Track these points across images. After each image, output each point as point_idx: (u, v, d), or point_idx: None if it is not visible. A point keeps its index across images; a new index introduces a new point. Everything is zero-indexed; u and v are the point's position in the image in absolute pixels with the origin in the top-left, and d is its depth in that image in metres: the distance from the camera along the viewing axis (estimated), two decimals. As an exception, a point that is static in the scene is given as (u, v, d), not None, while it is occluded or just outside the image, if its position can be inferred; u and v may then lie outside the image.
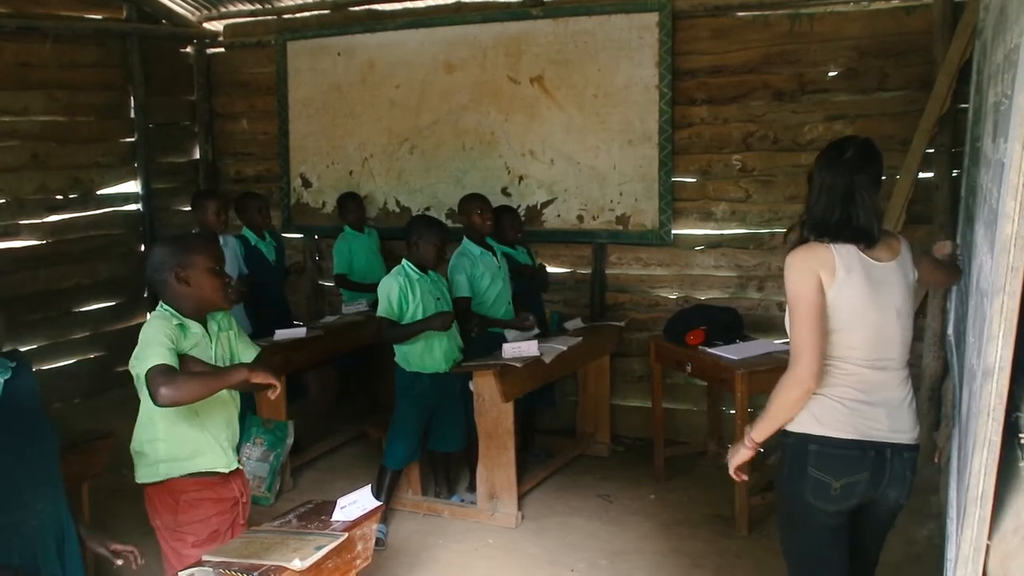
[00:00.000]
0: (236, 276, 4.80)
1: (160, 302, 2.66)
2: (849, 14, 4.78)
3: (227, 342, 2.77)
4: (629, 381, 5.49)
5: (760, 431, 2.41)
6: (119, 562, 2.61)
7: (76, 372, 6.06)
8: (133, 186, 6.40)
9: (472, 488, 4.43)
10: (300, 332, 4.85)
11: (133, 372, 2.52)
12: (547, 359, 4.35)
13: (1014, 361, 1.43)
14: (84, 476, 3.23)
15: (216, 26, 6.56)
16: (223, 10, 6.44)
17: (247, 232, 5.18)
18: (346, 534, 2.55)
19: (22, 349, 2.53)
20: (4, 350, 2.40)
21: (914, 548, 3.66)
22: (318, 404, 5.82)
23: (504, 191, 5.56)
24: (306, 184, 6.28)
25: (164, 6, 6.38)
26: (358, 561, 2.65)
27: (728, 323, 4.57)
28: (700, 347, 4.38)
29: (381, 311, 4.07)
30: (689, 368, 4.42)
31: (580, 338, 4.73)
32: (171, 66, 6.52)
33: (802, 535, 2.47)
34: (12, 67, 5.64)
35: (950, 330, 3.55)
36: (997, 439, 1.45)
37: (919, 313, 4.56)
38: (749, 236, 5.15)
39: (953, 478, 2.20)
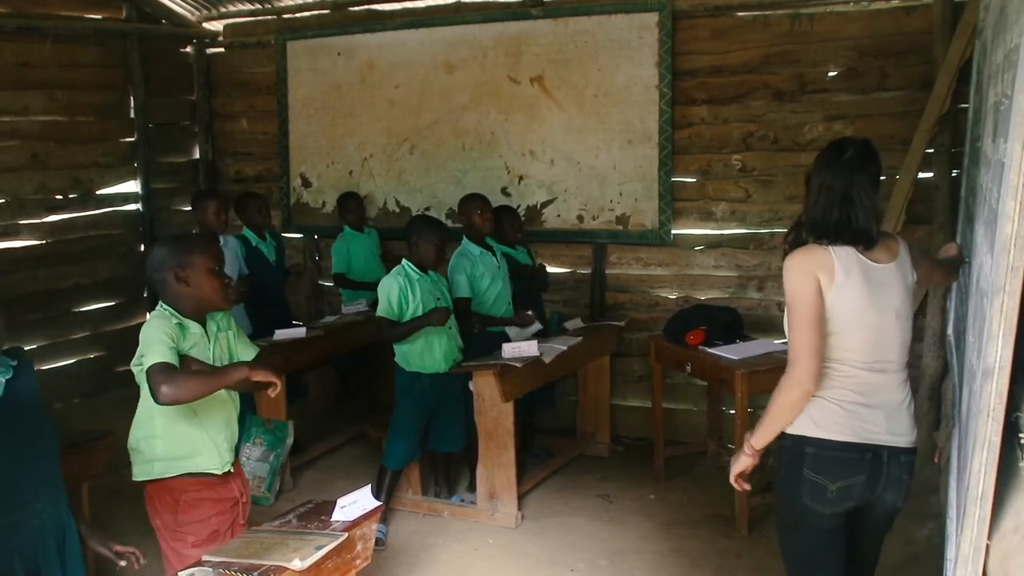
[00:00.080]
0: (236, 276, 4.80)
1: (160, 302, 2.66)
2: (849, 14, 4.78)
3: (226, 342, 2.77)
4: (629, 381, 5.49)
5: (760, 437, 2.40)
6: (122, 563, 2.61)
7: (76, 372, 6.06)
8: (133, 186, 6.41)
9: (472, 488, 4.43)
10: (300, 332, 4.85)
11: (135, 371, 2.52)
12: (547, 359, 4.34)
13: (1014, 361, 1.43)
14: (84, 476, 3.23)
15: (216, 26, 6.57)
16: (223, 10, 6.44)
17: (247, 232, 5.18)
18: (346, 534, 2.55)
19: (14, 346, 2.52)
20: (5, 348, 2.40)
21: (914, 548, 3.66)
22: (318, 404, 5.82)
23: (504, 191, 5.56)
24: (306, 184, 6.28)
25: (164, 6, 6.38)
26: (358, 561, 2.65)
27: (728, 323, 4.57)
28: (700, 347, 4.38)
29: (381, 311, 4.07)
30: (689, 368, 4.42)
31: (580, 338, 4.73)
32: (171, 66, 6.52)
33: (799, 537, 2.46)
34: (12, 67, 5.65)
35: (950, 330, 3.55)
36: (997, 439, 1.45)
37: (919, 313, 4.56)
38: (749, 236, 5.15)
39: (953, 478, 2.20)
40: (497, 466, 4.25)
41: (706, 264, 5.28)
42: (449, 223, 5.17)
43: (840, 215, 2.30)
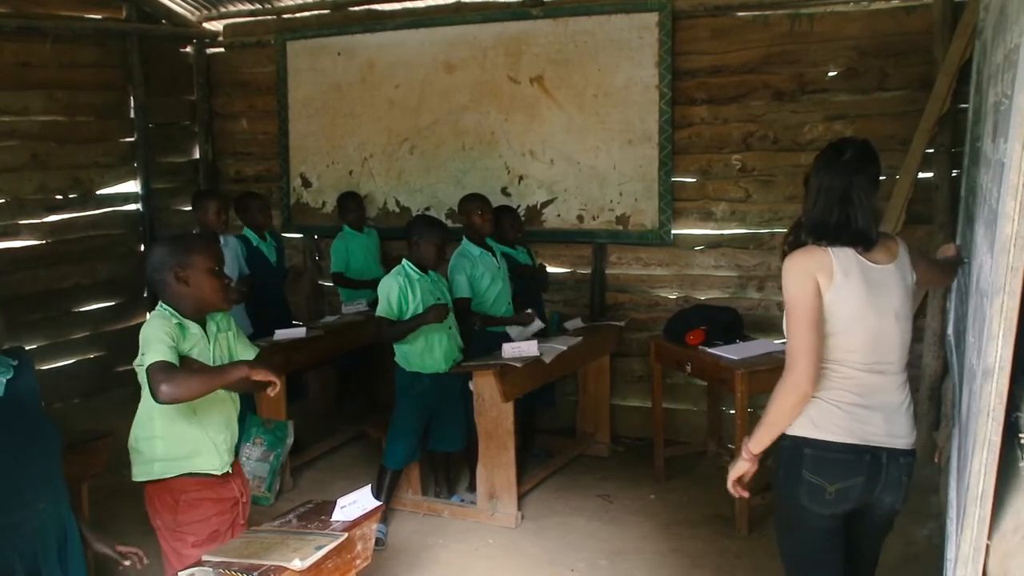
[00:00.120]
0: (237, 276, 4.81)
1: (160, 302, 2.66)
2: (849, 14, 4.78)
3: (226, 343, 2.77)
4: (629, 381, 5.49)
5: (758, 441, 2.38)
6: (126, 563, 2.60)
7: (76, 372, 6.06)
8: (133, 186, 6.41)
9: (472, 488, 4.43)
10: (300, 332, 4.85)
11: (138, 371, 2.51)
12: (547, 359, 4.34)
13: (1014, 361, 1.43)
14: (84, 476, 3.23)
15: (216, 26, 6.56)
16: (223, 10, 6.44)
17: (248, 232, 5.18)
18: (346, 534, 2.55)
19: (15, 346, 2.52)
20: (5, 348, 2.40)
21: (913, 548, 3.66)
22: (318, 404, 5.82)
23: (504, 191, 5.56)
24: (306, 184, 6.28)
25: (164, 6, 6.38)
26: (358, 561, 2.65)
27: (728, 323, 4.57)
28: (700, 347, 4.38)
29: (380, 311, 4.07)
30: (689, 368, 4.42)
31: (580, 338, 4.73)
32: (171, 66, 6.52)
33: (797, 538, 2.46)
34: (12, 67, 5.65)
35: (950, 330, 3.55)
36: (997, 439, 1.45)
37: (919, 313, 4.56)
38: (749, 236, 5.15)
39: (953, 478, 2.20)
40: (497, 466, 4.25)
41: (706, 264, 5.28)
42: (449, 223, 5.17)
43: (839, 216, 2.29)
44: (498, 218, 4.74)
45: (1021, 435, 1.49)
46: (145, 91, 6.34)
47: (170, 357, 2.44)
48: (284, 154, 6.31)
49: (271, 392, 2.58)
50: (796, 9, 4.86)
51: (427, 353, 4.14)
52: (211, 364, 2.64)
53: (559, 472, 4.86)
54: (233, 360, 2.76)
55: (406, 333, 4.05)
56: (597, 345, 4.99)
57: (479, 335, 4.44)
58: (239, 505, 2.77)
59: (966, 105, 4.09)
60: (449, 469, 4.62)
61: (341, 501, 2.68)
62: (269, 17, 6.37)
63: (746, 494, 2.53)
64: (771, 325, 4.95)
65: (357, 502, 2.69)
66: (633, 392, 5.48)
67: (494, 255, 4.64)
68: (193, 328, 2.64)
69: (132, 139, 6.36)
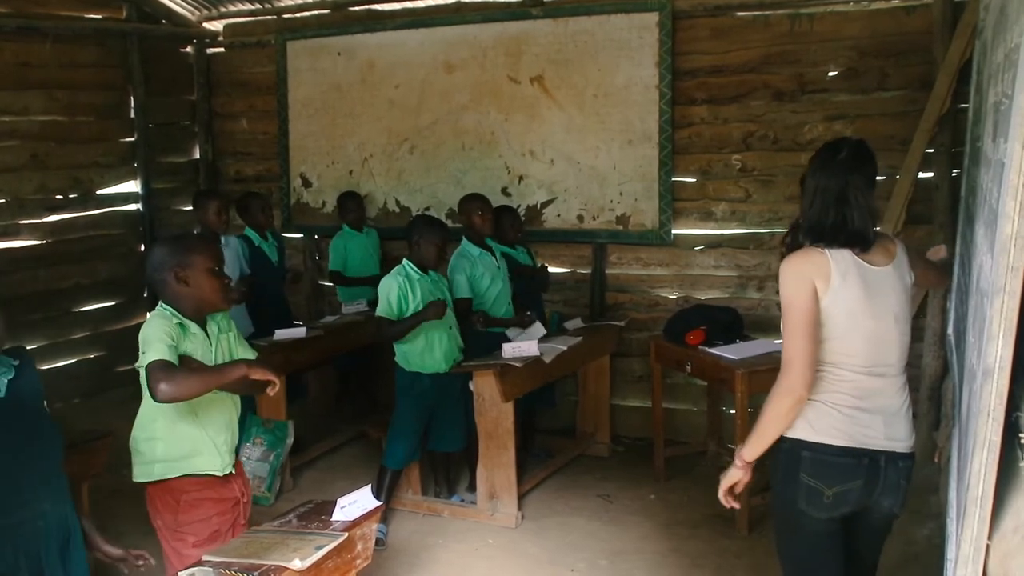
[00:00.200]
0: (237, 276, 4.81)
1: (160, 302, 2.66)
2: (849, 14, 4.78)
3: (227, 344, 2.77)
4: (629, 381, 5.49)
5: (751, 449, 2.35)
6: (140, 563, 2.59)
7: (76, 372, 6.06)
8: (133, 186, 6.41)
9: (472, 488, 4.43)
10: (300, 332, 4.85)
11: (140, 371, 2.51)
12: (547, 359, 4.35)
13: (1014, 361, 1.43)
14: (84, 476, 3.22)
15: (216, 26, 6.56)
16: (223, 10, 6.44)
17: (250, 232, 5.19)
18: (346, 534, 2.55)
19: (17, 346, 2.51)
20: (7, 348, 2.39)
21: (914, 548, 3.66)
22: (318, 404, 5.82)
23: (504, 191, 5.56)
24: (306, 184, 6.28)
25: (164, 6, 6.38)
26: (358, 561, 2.65)
27: (728, 323, 4.57)
28: (700, 347, 4.38)
29: (380, 310, 4.07)
30: (689, 368, 4.42)
31: (580, 338, 4.73)
32: (171, 66, 6.52)
33: (796, 541, 2.44)
34: (12, 67, 5.65)
35: (950, 330, 3.54)
36: (997, 439, 1.45)
37: (919, 313, 4.56)
38: (749, 236, 5.15)
39: (953, 478, 2.19)
40: (497, 466, 4.25)
41: (706, 264, 5.28)
42: (449, 223, 5.17)
43: (836, 216, 2.28)
44: (498, 218, 4.74)
45: (1021, 435, 1.48)
46: (145, 91, 6.34)
47: (169, 356, 2.44)
48: (284, 154, 6.32)
49: (271, 392, 2.58)
50: (796, 9, 4.86)
51: (427, 353, 4.14)
52: (212, 365, 2.64)
53: (559, 472, 4.86)
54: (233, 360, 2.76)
55: (406, 332, 4.05)
56: (597, 345, 4.99)
57: (479, 335, 4.44)
58: (240, 505, 2.77)
59: (966, 105, 4.09)
60: (449, 469, 4.62)
61: (341, 501, 2.68)
62: (269, 17, 6.37)
63: (737, 505, 2.51)
64: (771, 325, 4.94)
65: (357, 502, 2.69)
66: (633, 392, 5.48)
67: (494, 255, 4.64)
68: (194, 328, 2.64)
69: (132, 139, 6.36)
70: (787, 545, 2.50)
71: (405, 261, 4.17)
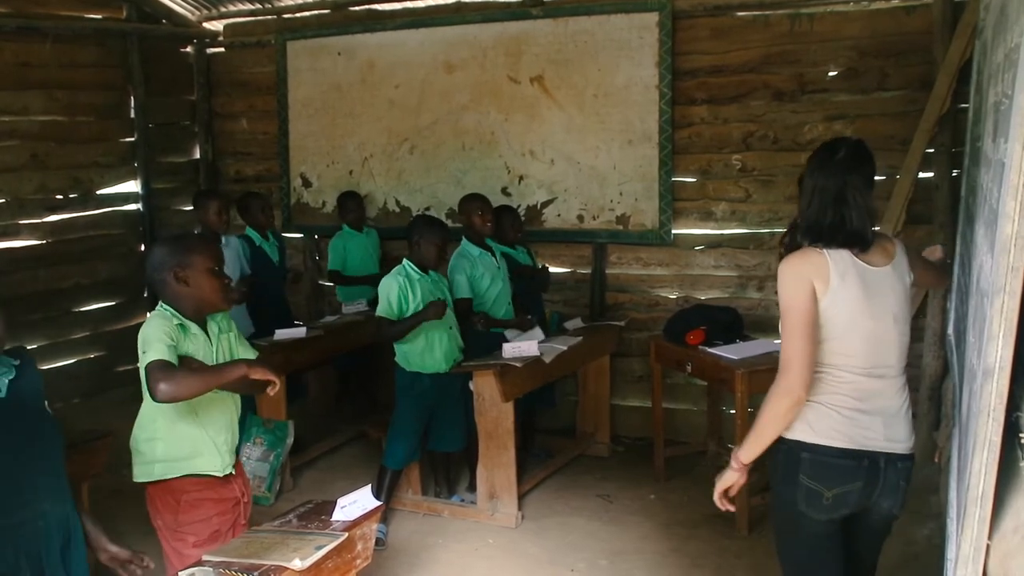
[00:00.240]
0: (238, 276, 4.82)
1: (160, 302, 2.66)
2: (849, 14, 4.78)
3: (227, 344, 2.77)
4: (629, 381, 5.49)
5: (748, 450, 2.34)
6: (144, 565, 2.58)
7: (76, 372, 6.06)
8: (133, 186, 6.41)
9: (472, 488, 4.43)
10: (300, 332, 4.85)
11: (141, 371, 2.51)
12: (547, 359, 4.34)
13: (1014, 361, 1.43)
14: (84, 476, 3.22)
15: (216, 26, 6.56)
16: (223, 10, 6.44)
17: (251, 232, 5.20)
18: (346, 534, 2.55)
19: (17, 346, 2.51)
20: (7, 348, 2.39)
21: (914, 548, 3.66)
22: (318, 404, 5.82)
23: (504, 191, 5.56)
24: (306, 184, 6.28)
25: (164, 6, 6.38)
26: (358, 561, 2.65)
27: (728, 323, 4.56)
28: (700, 347, 4.37)
29: (380, 310, 4.07)
30: (689, 368, 4.42)
31: (580, 338, 4.73)
32: (171, 66, 6.52)
33: (796, 542, 2.44)
34: (12, 67, 5.65)
35: (950, 330, 3.55)
36: (997, 439, 1.44)
37: (919, 313, 4.56)
38: (749, 236, 5.15)
39: (953, 478, 2.19)
40: (497, 466, 4.25)
41: (706, 264, 5.28)
42: (449, 223, 5.17)
43: (834, 216, 2.27)
44: (498, 218, 4.74)
45: (1021, 435, 1.48)
46: (145, 91, 6.34)
47: (169, 356, 2.44)
48: (284, 154, 6.32)
49: (270, 391, 2.58)
50: (796, 9, 4.86)
51: (427, 353, 4.14)
52: (212, 364, 2.64)
53: (559, 472, 4.86)
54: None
55: (406, 331, 4.05)
56: (597, 345, 4.99)
57: (479, 335, 4.44)
58: (240, 505, 2.77)
59: (966, 105, 4.09)
60: (449, 469, 4.62)
61: (341, 501, 2.68)
62: (269, 17, 6.37)
63: (732, 507, 2.49)
64: (771, 325, 4.94)
65: (357, 502, 2.69)
66: (633, 392, 5.48)
67: (494, 255, 4.64)
68: (194, 329, 2.64)
69: (132, 139, 6.36)
70: (787, 546, 2.49)
71: (405, 261, 4.17)
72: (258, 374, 2.51)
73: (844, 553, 2.42)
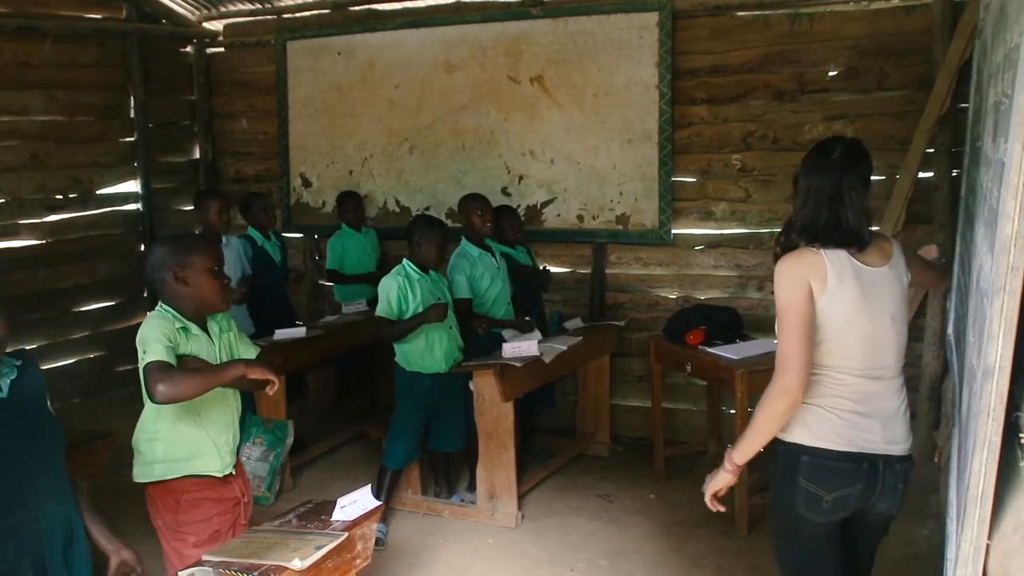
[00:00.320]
0: (239, 276, 4.82)
1: (159, 302, 2.66)
2: (849, 14, 4.78)
3: (228, 343, 2.77)
4: (629, 381, 5.49)
5: (743, 451, 2.32)
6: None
7: (76, 372, 6.05)
8: (133, 186, 6.41)
9: (472, 488, 4.43)
10: (300, 332, 4.85)
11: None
12: (547, 359, 4.34)
13: (1014, 361, 1.43)
14: (84, 476, 3.22)
15: (216, 26, 6.56)
16: (223, 10, 6.44)
17: (253, 232, 5.21)
18: (346, 534, 2.55)
19: (19, 348, 2.51)
20: (8, 350, 2.40)
21: (913, 548, 3.66)
22: (318, 404, 5.82)
23: (504, 191, 5.56)
24: (306, 184, 6.28)
25: (164, 6, 6.38)
26: (358, 561, 2.65)
27: (728, 323, 4.56)
28: (700, 347, 4.37)
29: (380, 310, 4.07)
30: (689, 368, 4.42)
31: (580, 338, 4.73)
32: (171, 66, 6.52)
33: (795, 544, 2.43)
34: (12, 67, 5.65)
35: (950, 330, 3.54)
36: (997, 439, 1.44)
37: (919, 313, 4.56)
38: (749, 236, 5.15)
39: (953, 478, 2.19)
40: (497, 466, 4.25)
41: (706, 264, 5.28)
42: (449, 223, 5.17)
43: (830, 216, 2.25)
44: (498, 218, 4.73)
45: (1021, 435, 1.48)
46: (145, 91, 6.34)
47: (167, 357, 2.43)
48: (284, 154, 6.32)
49: (269, 391, 2.58)
50: (796, 9, 4.86)
51: (427, 353, 4.14)
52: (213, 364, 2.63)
53: (559, 472, 4.86)
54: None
55: (406, 332, 4.05)
56: (597, 345, 4.99)
57: (479, 335, 4.44)
58: (240, 505, 2.77)
59: (966, 105, 4.09)
60: (449, 469, 4.62)
61: (341, 501, 2.68)
62: (269, 17, 6.37)
63: (723, 508, 2.47)
64: (771, 325, 4.86)
65: (357, 502, 2.69)
66: (633, 392, 5.48)
67: (493, 255, 4.64)
68: (195, 330, 2.63)
69: (132, 139, 6.37)
70: (786, 549, 2.48)
71: (405, 261, 4.16)
72: (256, 374, 2.51)
73: (842, 553, 2.41)
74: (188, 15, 6.50)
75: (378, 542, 3.51)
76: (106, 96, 6.22)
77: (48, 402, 2.47)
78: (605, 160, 5.31)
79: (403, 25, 5.80)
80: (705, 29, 5.08)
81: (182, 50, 6.63)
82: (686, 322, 4.55)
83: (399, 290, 4.03)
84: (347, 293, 5.59)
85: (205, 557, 2.43)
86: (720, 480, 2.38)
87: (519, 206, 5.44)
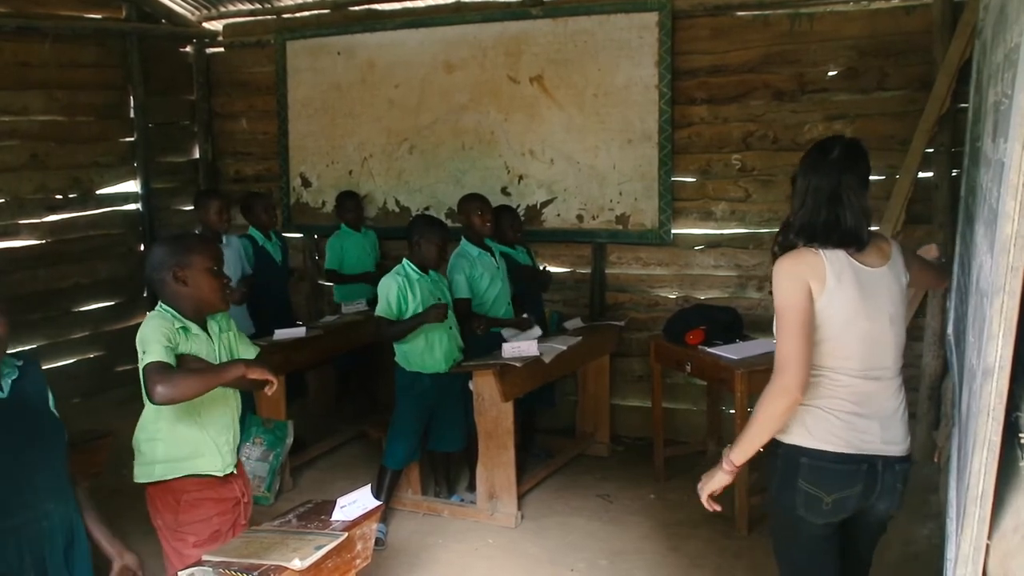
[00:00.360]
0: (239, 276, 4.82)
1: (159, 302, 2.66)
2: (849, 14, 4.78)
3: (228, 343, 2.77)
4: (629, 381, 5.49)
5: (741, 452, 2.31)
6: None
7: (75, 372, 6.05)
8: (133, 186, 6.41)
9: (472, 488, 4.43)
10: (300, 332, 4.85)
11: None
12: (547, 359, 4.34)
13: (1014, 361, 1.43)
14: (84, 476, 3.22)
15: (216, 26, 6.56)
16: (223, 10, 6.44)
17: (254, 232, 5.21)
18: (346, 534, 2.55)
19: (22, 349, 2.52)
20: (11, 351, 2.40)
21: (913, 548, 3.66)
22: (318, 404, 5.82)
23: (504, 191, 5.56)
24: (306, 184, 6.28)
25: (164, 6, 6.38)
26: (358, 561, 2.65)
27: (728, 323, 4.56)
28: (700, 347, 4.37)
29: (379, 310, 4.07)
30: (689, 368, 4.42)
31: (580, 338, 4.73)
32: (171, 66, 6.52)
33: (794, 546, 2.43)
34: (12, 67, 5.65)
35: (950, 329, 3.54)
36: (997, 439, 1.44)
37: (919, 313, 4.57)
38: (749, 236, 5.15)
39: (953, 478, 2.19)
40: (497, 466, 4.25)
41: (706, 264, 5.28)
42: (449, 223, 5.16)
43: (828, 216, 2.24)
44: (498, 218, 4.73)
45: (1021, 435, 1.48)
46: (145, 91, 6.34)
47: (166, 358, 2.43)
48: (284, 154, 6.32)
49: (268, 391, 2.58)
50: (796, 9, 4.86)
51: (427, 353, 4.14)
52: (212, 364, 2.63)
53: (559, 472, 4.86)
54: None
55: (406, 332, 4.05)
56: (597, 345, 4.99)
57: (478, 335, 4.44)
58: (240, 505, 2.77)
59: (966, 105, 4.09)
60: (449, 469, 4.62)
61: (341, 501, 2.68)
62: (269, 17, 6.37)
63: (719, 508, 2.45)
64: (771, 325, 4.90)
65: (357, 502, 2.69)
66: (633, 392, 5.48)
67: (493, 255, 4.64)
68: (195, 330, 2.63)
69: (132, 139, 6.36)
70: (785, 550, 2.48)
71: (405, 261, 4.16)
72: (256, 374, 2.51)
73: (841, 553, 2.41)
74: (188, 15, 6.50)
75: (378, 542, 3.51)
76: (106, 96, 6.22)
77: (52, 403, 2.47)
78: (605, 160, 5.31)
79: (403, 25, 5.80)
80: (705, 29, 5.08)
81: (182, 50, 6.63)
82: (686, 322, 4.55)
83: (399, 290, 4.03)
84: (346, 293, 5.59)
85: (205, 557, 2.43)
86: (717, 481, 2.37)
87: (519, 206, 5.44)
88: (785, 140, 4.98)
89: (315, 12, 6.18)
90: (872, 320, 2.26)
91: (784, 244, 2.35)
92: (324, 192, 6.18)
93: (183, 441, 2.63)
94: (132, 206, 6.42)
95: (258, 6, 6.33)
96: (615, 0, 5.16)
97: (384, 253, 5.78)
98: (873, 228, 2.36)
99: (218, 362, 2.64)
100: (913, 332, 4.57)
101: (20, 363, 2.39)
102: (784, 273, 2.25)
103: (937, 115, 4.45)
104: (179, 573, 2.38)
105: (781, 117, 4.98)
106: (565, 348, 4.49)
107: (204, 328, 2.68)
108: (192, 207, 5.72)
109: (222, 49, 6.61)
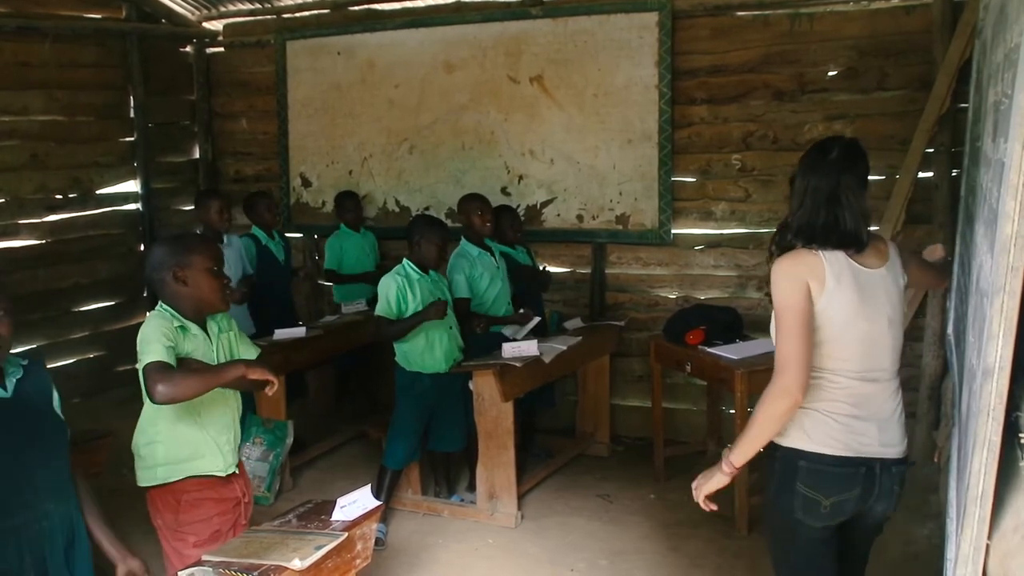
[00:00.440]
0: (240, 276, 4.83)
1: (159, 302, 2.66)
2: (849, 14, 4.78)
3: (228, 343, 2.77)
4: (629, 381, 5.49)
5: (741, 453, 2.30)
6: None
7: (75, 372, 6.05)
8: (133, 186, 6.41)
9: (472, 488, 4.43)
10: (300, 332, 4.85)
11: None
12: (547, 359, 4.34)
13: (1014, 361, 1.43)
14: (84, 476, 3.22)
15: (216, 26, 6.56)
16: (223, 9, 6.44)
17: (257, 231, 5.22)
18: (346, 534, 2.55)
19: (22, 349, 2.52)
20: (15, 351, 2.40)
21: (913, 547, 3.66)
22: (318, 404, 5.82)
23: (504, 191, 5.56)
24: (306, 184, 6.28)
25: (164, 6, 6.37)
26: (358, 561, 2.65)
27: (728, 323, 4.56)
28: (700, 347, 4.37)
29: (379, 310, 4.07)
30: (689, 368, 4.42)
31: (580, 338, 4.73)
32: (171, 66, 6.52)
33: (792, 549, 2.42)
34: (12, 67, 5.64)
35: (950, 329, 3.54)
36: (997, 439, 1.44)
37: (919, 313, 4.57)
38: (749, 236, 5.15)
39: (953, 478, 2.19)
40: (497, 466, 4.25)
41: (706, 264, 5.28)
42: (449, 223, 5.16)
43: (827, 216, 2.24)
44: (497, 218, 4.73)
45: (1021, 435, 1.48)
46: (145, 91, 6.34)
47: (167, 357, 2.43)
48: (284, 154, 6.32)
49: (268, 392, 2.58)
50: (796, 9, 4.86)
51: (427, 353, 4.14)
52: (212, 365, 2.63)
53: (559, 472, 4.86)
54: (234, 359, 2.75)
55: (405, 331, 4.05)
56: (597, 345, 4.99)
57: (479, 334, 4.44)
58: (241, 505, 2.77)
59: (966, 105, 4.09)
60: (449, 469, 4.62)
61: (341, 501, 2.68)
62: (269, 17, 6.37)
63: (715, 507, 2.44)
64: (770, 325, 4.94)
65: (357, 502, 2.69)
66: (633, 392, 5.48)
67: (493, 255, 4.64)
68: (194, 329, 2.63)
69: (132, 139, 6.36)
70: (783, 554, 2.48)
71: (405, 261, 4.16)
72: (256, 374, 2.51)
73: (838, 555, 2.41)
74: (188, 15, 6.50)
75: (378, 542, 3.51)
76: (106, 96, 6.22)
77: (58, 404, 2.47)
78: (605, 160, 5.31)
79: (403, 25, 5.80)
80: (705, 29, 5.08)
81: (182, 50, 6.62)
82: (686, 322, 4.55)
83: (398, 290, 4.03)
84: (346, 293, 5.59)
85: (205, 557, 2.43)
86: (715, 482, 2.36)
87: (519, 206, 5.44)
88: (785, 140, 4.98)
89: (315, 12, 6.17)
90: (871, 321, 2.25)
91: (782, 245, 2.34)
92: (324, 192, 6.18)
93: (184, 442, 2.63)
94: (132, 206, 6.42)
95: (258, 6, 6.33)
96: (615, 0, 5.16)
97: (384, 253, 5.78)
98: (872, 228, 2.35)
99: (215, 363, 2.64)
100: (913, 332, 4.57)
101: (25, 363, 2.40)
102: (783, 273, 2.24)
103: (937, 115, 4.45)
104: (179, 573, 2.38)
105: (781, 117, 4.98)
106: (565, 348, 4.49)
107: (203, 328, 2.68)
108: (192, 207, 5.73)
109: (222, 49, 6.61)
